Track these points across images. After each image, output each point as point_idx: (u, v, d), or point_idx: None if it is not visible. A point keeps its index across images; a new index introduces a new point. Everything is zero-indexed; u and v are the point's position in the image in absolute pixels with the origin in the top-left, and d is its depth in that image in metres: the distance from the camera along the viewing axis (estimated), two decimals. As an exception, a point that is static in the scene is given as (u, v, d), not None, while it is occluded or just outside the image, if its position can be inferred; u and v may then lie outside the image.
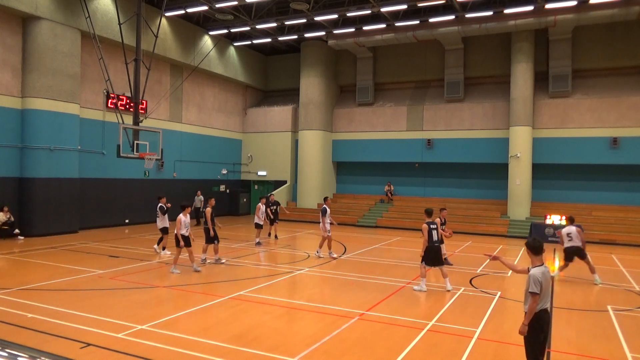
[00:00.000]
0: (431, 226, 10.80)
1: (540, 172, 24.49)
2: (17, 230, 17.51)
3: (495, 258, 6.27)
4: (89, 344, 6.78)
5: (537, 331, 5.36)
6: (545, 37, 24.10)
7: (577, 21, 21.67)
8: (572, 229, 12.31)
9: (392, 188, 27.85)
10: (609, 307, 9.69)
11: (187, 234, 12.21)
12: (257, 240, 17.46)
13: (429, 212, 11.18)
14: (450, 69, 26.25)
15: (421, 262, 10.92)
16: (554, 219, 20.67)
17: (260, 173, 30.45)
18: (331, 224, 14.95)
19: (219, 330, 7.67)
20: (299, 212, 27.74)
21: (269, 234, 19.63)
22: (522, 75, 23.68)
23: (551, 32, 23.44)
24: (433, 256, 10.77)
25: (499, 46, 25.37)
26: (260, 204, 17.57)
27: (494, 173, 25.58)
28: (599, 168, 23.40)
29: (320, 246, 15.15)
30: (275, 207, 19.49)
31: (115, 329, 7.44)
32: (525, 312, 5.37)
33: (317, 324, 8.18)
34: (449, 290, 10.62)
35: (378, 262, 14.50)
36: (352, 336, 7.50)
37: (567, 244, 12.31)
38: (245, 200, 30.19)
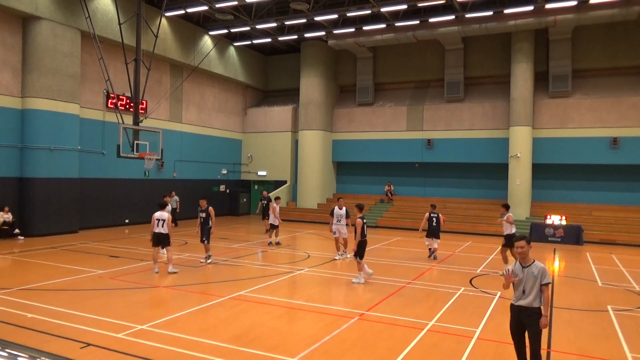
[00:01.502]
0: (364, 221, 11.42)
1: (540, 172, 24.49)
2: (17, 230, 17.51)
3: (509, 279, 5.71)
4: (89, 344, 6.78)
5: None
6: (545, 37, 24.10)
7: (577, 21, 21.67)
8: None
9: (392, 188, 27.84)
10: (609, 307, 9.68)
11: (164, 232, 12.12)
12: (270, 240, 17.57)
13: (360, 207, 11.94)
14: (450, 69, 26.25)
15: (355, 256, 11.50)
16: (554, 219, 20.69)
17: (260, 173, 30.45)
18: (347, 225, 14.71)
19: (219, 330, 7.67)
20: (299, 212, 27.74)
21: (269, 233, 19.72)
22: (522, 75, 23.68)
23: (551, 32, 23.44)
24: (363, 249, 11.48)
25: (499, 46, 25.37)
26: (274, 204, 17.54)
27: (494, 173, 25.57)
28: (599, 168, 23.39)
29: (338, 248, 15.07)
30: (266, 202, 20.21)
31: (115, 329, 7.44)
32: (537, 307, 5.44)
33: (317, 324, 8.18)
34: (360, 283, 11.29)
35: (378, 262, 14.47)
36: (352, 336, 7.50)
37: (514, 230, 12.51)
38: (245, 200, 30.19)
